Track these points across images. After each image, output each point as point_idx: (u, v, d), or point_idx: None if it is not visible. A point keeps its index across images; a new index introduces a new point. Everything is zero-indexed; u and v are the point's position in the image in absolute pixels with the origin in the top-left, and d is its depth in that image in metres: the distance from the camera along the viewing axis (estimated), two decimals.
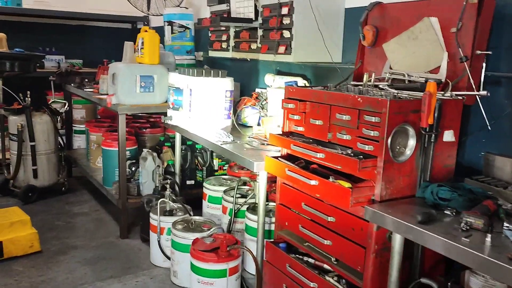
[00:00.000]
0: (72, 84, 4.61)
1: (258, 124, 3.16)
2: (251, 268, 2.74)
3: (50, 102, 4.67)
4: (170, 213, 3.10)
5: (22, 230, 3.17)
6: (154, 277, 2.97)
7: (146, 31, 3.45)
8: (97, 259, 3.18)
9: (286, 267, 2.20)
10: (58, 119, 4.37)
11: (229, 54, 3.60)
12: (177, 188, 3.51)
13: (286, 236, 2.31)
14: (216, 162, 3.86)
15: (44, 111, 4.26)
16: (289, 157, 2.20)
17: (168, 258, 2.98)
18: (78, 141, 5.19)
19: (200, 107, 2.94)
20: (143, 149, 3.70)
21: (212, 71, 2.94)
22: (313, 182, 1.89)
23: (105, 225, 3.78)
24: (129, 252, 3.30)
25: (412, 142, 1.81)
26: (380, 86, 2.17)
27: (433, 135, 1.84)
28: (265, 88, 3.32)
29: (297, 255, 2.23)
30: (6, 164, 4.37)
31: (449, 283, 1.75)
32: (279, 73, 3.38)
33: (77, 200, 4.34)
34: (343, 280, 1.98)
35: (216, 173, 3.82)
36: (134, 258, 3.21)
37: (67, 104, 4.68)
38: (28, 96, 4.11)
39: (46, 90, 5.13)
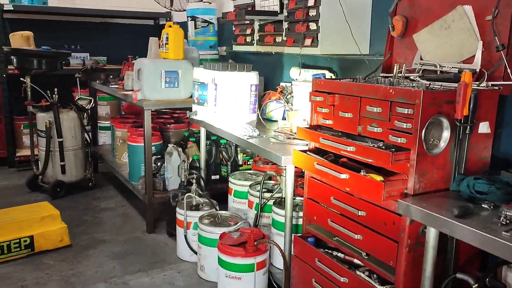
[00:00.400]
0: (97, 81, 4.67)
1: (283, 118, 3.14)
2: (278, 262, 2.73)
3: (76, 99, 4.74)
4: (196, 207, 3.11)
5: (52, 224, 3.23)
6: (181, 271, 2.98)
7: (170, 26, 3.45)
8: (125, 254, 3.22)
9: (315, 262, 2.18)
10: (84, 116, 4.43)
11: (254, 48, 3.58)
12: (202, 183, 3.51)
13: (314, 231, 2.29)
14: (240, 157, 3.86)
15: (71, 107, 4.33)
16: (317, 151, 2.17)
17: (195, 252, 3.00)
18: (103, 137, 5.26)
19: (225, 102, 2.92)
20: (168, 145, 3.72)
21: (237, 65, 2.92)
22: (343, 176, 1.86)
23: (131, 220, 3.82)
24: (156, 247, 3.33)
25: (446, 134, 1.76)
26: (411, 77, 2.12)
27: (468, 126, 1.78)
28: (290, 82, 3.29)
29: (326, 250, 2.20)
30: (35, 160, 4.45)
31: (487, 279, 1.70)
32: (304, 66, 3.34)
33: (104, 196, 4.40)
34: (375, 275, 1.95)
35: (240, 167, 3.81)
36: (161, 253, 3.23)
37: (92, 100, 4.74)
38: (56, 93, 4.18)
39: (72, 87, 5.21)
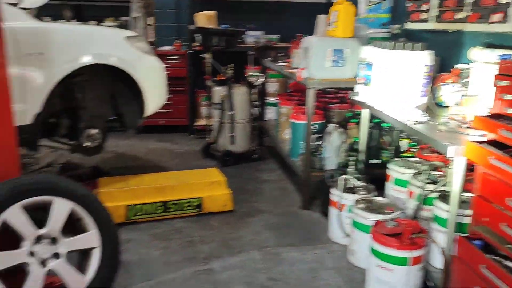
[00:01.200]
0: (267, 59, 4.87)
1: (456, 104, 2.82)
2: (434, 261, 2.52)
3: (246, 75, 5.04)
4: (352, 190, 3.05)
5: (219, 189, 3.54)
6: (332, 252, 2.98)
7: (341, 3, 3.37)
8: (279, 226, 3.35)
9: (480, 268, 1.94)
10: (252, 91, 4.68)
11: (430, 26, 3.27)
12: (360, 166, 3.42)
13: (482, 233, 2.03)
14: (404, 143, 3.63)
15: (243, 83, 4.62)
16: (495, 144, 1.90)
17: (347, 235, 2.95)
18: (270, 113, 5.50)
19: (392, 83, 2.75)
20: (329, 124, 3.70)
21: (409, 44, 2.71)
22: None
23: (289, 195, 3.95)
24: (309, 224, 3.38)
25: None
26: None
27: None
28: (467, 64, 2.93)
29: (495, 257, 1.94)
30: (208, 130, 4.92)
31: None
32: (489, 46, 2.93)
33: (266, 168, 4.63)
34: None
35: (402, 154, 3.59)
36: (314, 230, 3.27)
37: (263, 77, 4.97)
38: (231, 68, 4.50)
39: (245, 64, 5.55)
